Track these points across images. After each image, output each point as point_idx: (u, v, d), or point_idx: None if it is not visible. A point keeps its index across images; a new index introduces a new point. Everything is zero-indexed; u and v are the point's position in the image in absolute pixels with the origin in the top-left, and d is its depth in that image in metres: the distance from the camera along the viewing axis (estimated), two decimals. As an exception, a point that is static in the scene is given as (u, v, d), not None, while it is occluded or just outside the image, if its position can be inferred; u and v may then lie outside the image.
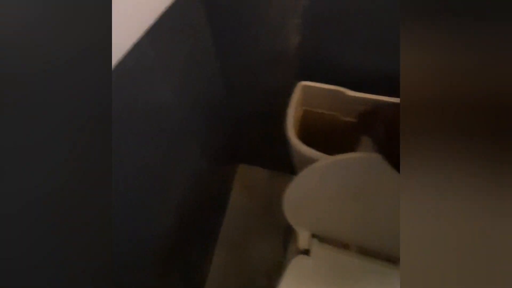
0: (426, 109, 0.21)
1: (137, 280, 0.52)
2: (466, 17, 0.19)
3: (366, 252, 0.63)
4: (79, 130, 0.21)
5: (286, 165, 0.85)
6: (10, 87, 0.18)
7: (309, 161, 0.51)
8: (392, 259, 0.62)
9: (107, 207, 0.23)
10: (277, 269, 0.90)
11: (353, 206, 0.54)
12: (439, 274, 0.21)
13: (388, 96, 0.57)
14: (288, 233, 0.95)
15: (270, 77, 0.74)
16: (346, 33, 0.58)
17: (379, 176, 0.46)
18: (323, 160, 0.48)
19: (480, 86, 0.19)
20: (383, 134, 0.45)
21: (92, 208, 0.22)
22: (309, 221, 0.61)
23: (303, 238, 0.63)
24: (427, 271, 0.21)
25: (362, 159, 0.45)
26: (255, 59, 0.70)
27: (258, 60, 0.70)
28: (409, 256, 0.21)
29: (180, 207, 0.66)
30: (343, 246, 0.64)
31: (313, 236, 0.65)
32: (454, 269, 0.21)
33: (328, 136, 0.73)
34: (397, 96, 0.55)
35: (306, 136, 0.75)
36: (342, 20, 0.55)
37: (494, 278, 0.19)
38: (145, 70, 0.43)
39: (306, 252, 0.63)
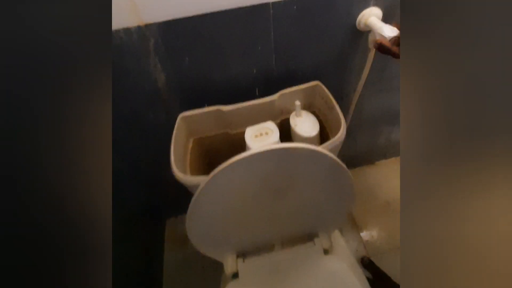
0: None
1: None
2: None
3: (288, 243, 0.64)
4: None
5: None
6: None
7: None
8: (309, 237, 0.65)
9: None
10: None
11: (253, 207, 0.54)
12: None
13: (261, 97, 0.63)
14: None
15: (155, 121, 0.71)
16: (204, 56, 0.60)
17: (262, 168, 0.47)
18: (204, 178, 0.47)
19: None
20: None
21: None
22: (225, 243, 0.59)
23: (227, 263, 0.61)
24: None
25: (240, 161, 0.44)
26: (132, 111, 0.67)
27: (135, 111, 0.67)
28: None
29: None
30: (268, 249, 0.64)
31: (238, 256, 0.63)
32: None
33: (227, 154, 0.72)
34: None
35: (207, 164, 0.73)
36: (193, 46, 0.58)
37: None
38: None
39: (236, 275, 0.61)
